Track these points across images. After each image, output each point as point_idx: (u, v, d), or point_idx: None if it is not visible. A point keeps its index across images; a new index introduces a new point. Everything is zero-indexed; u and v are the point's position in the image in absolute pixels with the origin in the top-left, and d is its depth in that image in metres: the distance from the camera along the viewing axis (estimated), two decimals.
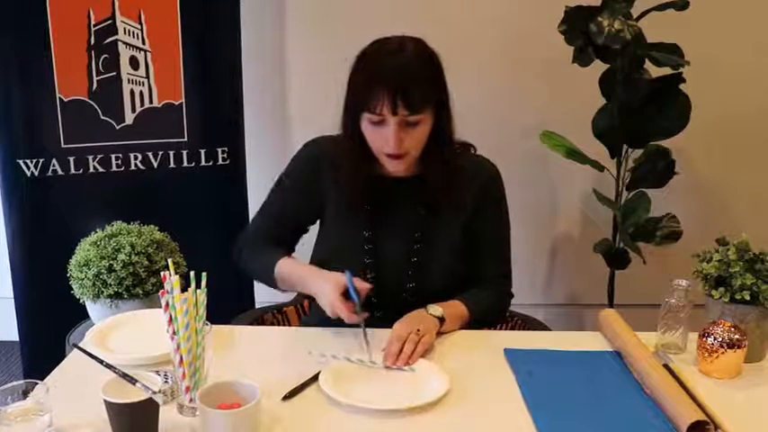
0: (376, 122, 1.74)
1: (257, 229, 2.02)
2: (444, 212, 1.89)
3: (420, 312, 1.78)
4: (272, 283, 1.92)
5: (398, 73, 1.70)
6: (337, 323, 1.75)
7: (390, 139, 1.73)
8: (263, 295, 2.77)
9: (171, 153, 2.87)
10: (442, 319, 1.77)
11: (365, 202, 1.88)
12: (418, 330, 1.68)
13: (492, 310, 1.96)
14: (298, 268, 1.89)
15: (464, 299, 1.88)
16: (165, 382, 1.48)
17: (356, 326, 1.71)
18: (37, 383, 1.38)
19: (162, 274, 1.45)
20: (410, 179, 1.88)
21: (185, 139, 2.87)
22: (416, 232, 1.90)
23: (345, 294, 1.73)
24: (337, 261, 1.86)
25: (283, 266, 1.89)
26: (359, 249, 1.90)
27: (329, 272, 1.80)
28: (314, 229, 2.04)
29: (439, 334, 1.77)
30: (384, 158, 1.80)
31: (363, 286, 1.75)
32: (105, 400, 1.31)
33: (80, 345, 1.61)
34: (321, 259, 1.93)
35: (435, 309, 1.78)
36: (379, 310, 1.84)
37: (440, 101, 1.78)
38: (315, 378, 1.57)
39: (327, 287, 1.74)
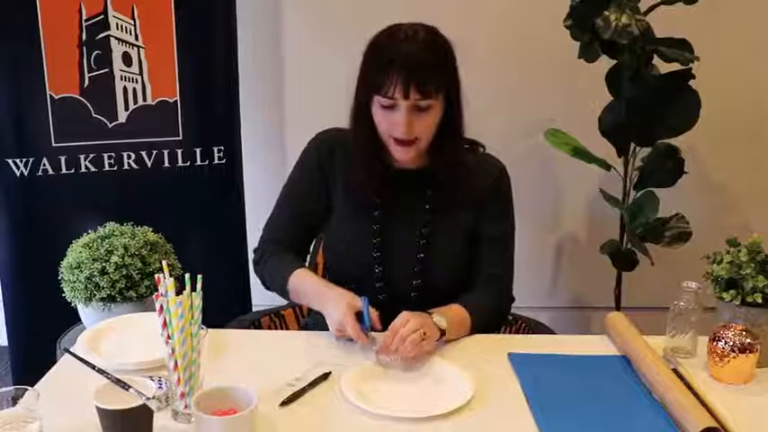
0: (387, 106, 1.75)
1: (271, 235, 2.01)
2: (451, 208, 1.90)
3: (425, 317, 1.73)
4: (286, 296, 1.93)
5: (412, 57, 1.71)
6: None
7: (401, 124, 1.74)
8: (261, 298, 2.74)
9: (165, 152, 2.85)
10: (443, 332, 1.74)
11: (374, 193, 1.88)
12: (425, 333, 1.66)
13: (493, 316, 1.94)
14: (312, 282, 1.87)
15: (467, 307, 1.84)
16: (160, 387, 1.47)
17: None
18: (27, 389, 1.36)
19: (156, 276, 1.44)
20: (418, 172, 1.89)
21: (180, 138, 2.85)
22: (423, 227, 1.90)
23: (357, 316, 1.73)
24: (346, 255, 1.91)
25: (296, 280, 1.88)
26: (367, 243, 1.90)
27: (346, 291, 1.79)
28: None
29: None
30: (392, 144, 1.80)
31: (376, 317, 1.74)
32: (97, 407, 1.30)
33: (71, 349, 1.61)
34: (333, 254, 1.96)
35: (440, 320, 1.75)
36: (387, 305, 1.84)
37: (451, 89, 1.80)
38: (313, 384, 1.57)
39: (342, 304, 1.73)
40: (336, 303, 1.74)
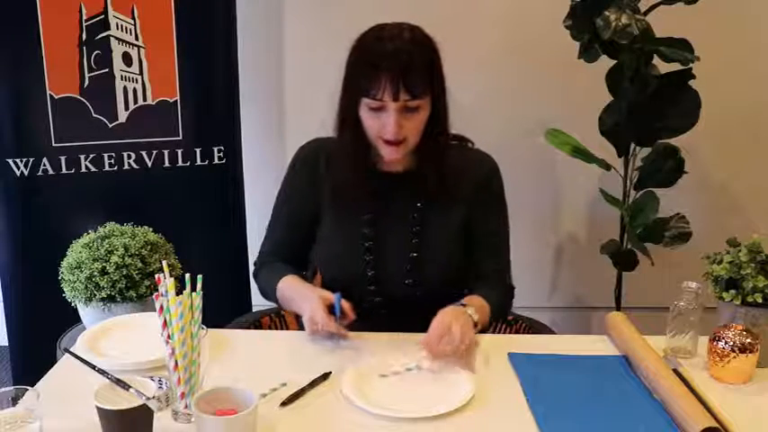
0: (375, 108, 1.74)
1: (268, 247, 2.02)
2: (441, 206, 1.89)
3: (463, 312, 1.72)
4: (278, 305, 1.94)
5: (399, 58, 1.70)
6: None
7: (390, 125, 1.73)
8: (261, 298, 2.74)
9: (165, 152, 2.84)
10: (476, 325, 1.75)
11: (363, 195, 1.87)
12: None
13: (501, 308, 1.95)
14: (295, 287, 1.87)
15: (485, 298, 1.84)
16: (160, 387, 1.48)
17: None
18: (27, 389, 1.36)
19: (156, 276, 1.44)
20: (406, 174, 1.88)
21: (180, 138, 2.85)
22: (414, 226, 1.89)
23: (330, 309, 1.73)
24: (339, 261, 1.90)
25: (283, 286, 1.89)
26: (359, 247, 1.89)
27: (323, 290, 1.80)
28: None
29: None
30: (381, 145, 1.79)
31: (347, 307, 1.74)
32: (98, 407, 1.30)
33: (72, 349, 1.61)
34: (324, 260, 1.94)
35: (474, 312, 1.74)
36: (382, 307, 1.86)
37: (438, 87, 1.78)
38: (313, 384, 1.57)
39: (313, 299, 1.74)
40: (310, 300, 1.74)
